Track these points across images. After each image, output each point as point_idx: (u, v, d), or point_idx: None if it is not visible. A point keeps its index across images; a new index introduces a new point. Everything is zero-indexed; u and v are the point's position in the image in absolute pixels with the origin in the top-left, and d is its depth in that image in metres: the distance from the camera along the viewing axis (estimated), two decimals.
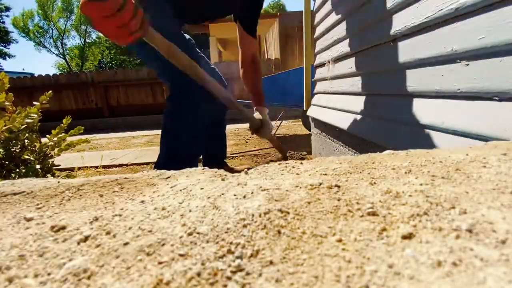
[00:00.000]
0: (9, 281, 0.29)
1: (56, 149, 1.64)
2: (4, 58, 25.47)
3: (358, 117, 1.44)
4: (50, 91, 1.67)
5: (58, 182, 0.59)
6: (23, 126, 1.47)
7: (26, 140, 1.50)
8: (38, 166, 1.46)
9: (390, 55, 1.15)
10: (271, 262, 0.28)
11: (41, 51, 40.28)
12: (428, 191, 0.38)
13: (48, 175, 1.56)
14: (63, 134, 1.66)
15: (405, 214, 0.33)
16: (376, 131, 1.22)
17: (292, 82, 2.70)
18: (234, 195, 0.44)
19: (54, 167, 1.65)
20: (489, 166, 0.43)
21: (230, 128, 4.80)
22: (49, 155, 1.64)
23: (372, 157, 0.57)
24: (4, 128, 1.40)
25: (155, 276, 0.27)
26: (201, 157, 1.75)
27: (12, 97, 1.58)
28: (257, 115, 1.60)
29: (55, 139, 1.63)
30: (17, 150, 1.47)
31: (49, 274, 0.29)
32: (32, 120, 1.50)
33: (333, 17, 1.81)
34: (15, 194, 0.53)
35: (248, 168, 0.58)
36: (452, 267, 0.24)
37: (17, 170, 1.40)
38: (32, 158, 1.49)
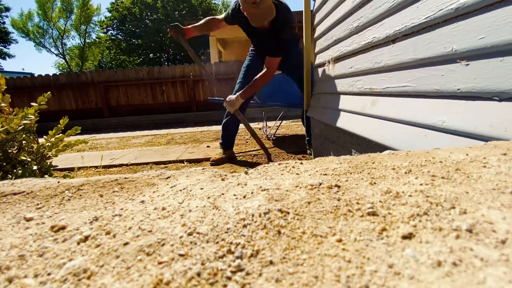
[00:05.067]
0: (9, 281, 0.29)
1: (53, 150, 1.63)
2: (4, 58, 25.46)
3: (358, 117, 1.44)
4: (49, 92, 1.66)
5: (58, 182, 0.59)
6: (20, 127, 1.46)
7: (23, 141, 1.50)
8: (35, 167, 1.46)
9: (391, 55, 1.15)
10: (271, 262, 0.28)
11: (41, 51, 40.32)
12: (428, 191, 0.38)
13: (46, 175, 1.56)
14: (61, 134, 1.66)
15: (405, 214, 0.33)
16: (376, 131, 1.23)
17: (292, 82, 2.70)
18: (234, 195, 0.44)
19: (52, 168, 1.64)
20: (489, 166, 0.43)
21: None
22: (47, 155, 1.63)
23: (372, 157, 0.57)
24: (1, 129, 1.40)
25: (155, 276, 0.27)
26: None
27: (8, 98, 1.58)
28: (231, 96, 2.38)
29: (53, 139, 1.63)
30: (14, 151, 1.47)
31: (49, 274, 0.29)
32: (29, 121, 1.49)
33: (333, 17, 1.81)
34: (15, 194, 0.53)
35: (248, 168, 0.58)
36: (452, 267, 0.24)
37: (14, 171, 1.39)
38: (29, 159, 1.49)
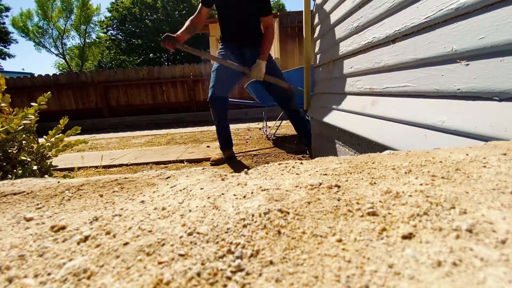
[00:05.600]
0: (9, 281, 0.29)
1: (53, 150, 1.63)
2: (4, 58, 25.49)
3: (358, 117, 1.44)
4: (49, 92, 1.66)
5: (58, 182, 0.59)
6: (20, 127, 1.46)
7: (23, 141, 1.50)
8: (35, 167, 1.46)
9: (391, 55, 1.15)
10: (271, 262, 0.28)
11: (41, 51, 40.33)
12: (428, 191, 0.38)
13: (46, 175, 1.55)
14: (61, 134, 1.66)
15: (405, 214, 0.33)
16: (376, 131, 1.23)
17: (292, 82, 2.70)
18: (234, 195, 0.44)
19: (52, 168, 1.64)
20: (489, 166, 0.43)
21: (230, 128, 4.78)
22: (47, 155, 1.63)
23: (372, 157, 0.57)
24: (1, 129, 1.40)
25: (155, 276, 0.27)
26: None
27: (9, 98, 1.58)
28: (254, 64, 2.34)
29: (53, 139, 1.63)
30: (14, 151, 1.47)
31: (49, 274, 0.29)
32: (29, 121, 1.49)
33: (333, 17, 1.81)
34: (15, 194, 0.53)
35: (248, 168, 0.58)
36: (452, 267, 0.24)
37: (14, 171, 1.39)
38: (29, 159, 1.49)
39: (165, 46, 2.25)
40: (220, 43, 2.57)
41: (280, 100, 2.54)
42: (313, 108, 2.35)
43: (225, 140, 2.59)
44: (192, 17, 2.41)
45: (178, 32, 2.33)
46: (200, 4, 2.37)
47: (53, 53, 26.73)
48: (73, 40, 53.44)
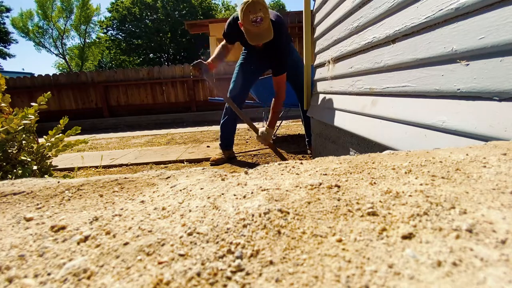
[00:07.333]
0: (9, 281, 0.29)
1: (53, 150, 1.63)
2: (4, 58, 25.50)
3: (358, 116, 1.44)
4: (49, 92, 1.66)
5: (58, 182, 0.59)
6: (20, 127, 1.46)
7: (23, 141, 1.50)
8: (35, 167, 1.46)
9: (391, 55, 1.15)
10: (271, 262, 0.28)
11: (41, 51, 40.31)
12: (428, 191, 0.38)
13: (46, 175, 1.55)
14: (61, 134, 1.66)
15: (405, 214, 0.33)
16: (376, 131, 1.23)
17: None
18: (234, 195, 0.44)
19: (52, 168, 1.64)
20: (489, 166, 0.43)
21: None
22: (47, 155, 1.63)
23: (372, 157, 0.57)
24: (1, 129, 1.40)
25: (155, 276, 0.27)
26: None
27: (9, 98, 1.58)
28: (261, 128, 2.36)
29: (53, 139, 1.63)
30: (14, 151, 1.47)
31: (49, 274, 0.29)
32: (29, 121, 1.49)
33: (333, 17, 1.81)
34: (15, 194, 0.53)
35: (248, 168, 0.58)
36: (452, 267, 0.24)
37: (14, 171, 1.39)
38: (29, 159, 1.49)
39: (195, 72, 2.22)
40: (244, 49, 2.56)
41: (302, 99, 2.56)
42: (313, 108, 2.35)
43: (227, 138, 2.59)
44: (223, 43, 2.39)
45: (209, 60, 2.29)
46: (225, 39, 2.35)
47: (53, 53, 26.73)
48: (73, 40, 53.56)
